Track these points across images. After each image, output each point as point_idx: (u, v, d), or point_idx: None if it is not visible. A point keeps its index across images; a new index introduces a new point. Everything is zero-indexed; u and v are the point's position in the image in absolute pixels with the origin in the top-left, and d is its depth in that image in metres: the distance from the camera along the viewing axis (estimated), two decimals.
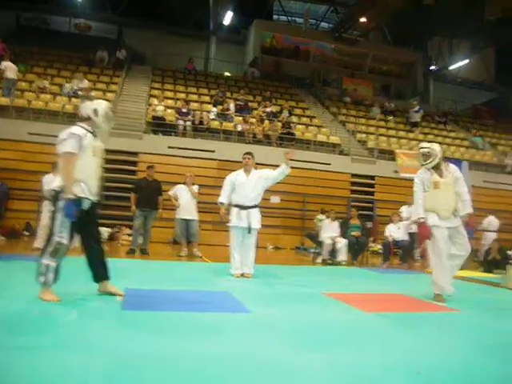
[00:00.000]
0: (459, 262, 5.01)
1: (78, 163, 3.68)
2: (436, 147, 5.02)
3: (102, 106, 3.94)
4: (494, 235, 11.31)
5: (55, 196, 3.68)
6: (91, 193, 3.80)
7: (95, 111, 3.87)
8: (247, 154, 6.28)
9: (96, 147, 3.88)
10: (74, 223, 3.67)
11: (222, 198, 6.12)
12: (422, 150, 5.08)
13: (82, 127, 3.82)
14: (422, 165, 5.06)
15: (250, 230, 5.92)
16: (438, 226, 4.87)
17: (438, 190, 4.94)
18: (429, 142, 17.32)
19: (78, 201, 3.66)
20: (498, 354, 2.93)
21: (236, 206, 6.03)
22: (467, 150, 17.38)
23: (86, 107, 3.94)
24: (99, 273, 3.95)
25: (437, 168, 5.00)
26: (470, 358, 2.80)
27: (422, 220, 4.93)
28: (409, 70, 25.08)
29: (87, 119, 3.89)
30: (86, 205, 3.78)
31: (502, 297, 5.70)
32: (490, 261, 9.10)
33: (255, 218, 6.00)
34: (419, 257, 10.29)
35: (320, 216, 10.93)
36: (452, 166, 5.08)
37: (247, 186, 6.04)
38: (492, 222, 12.00)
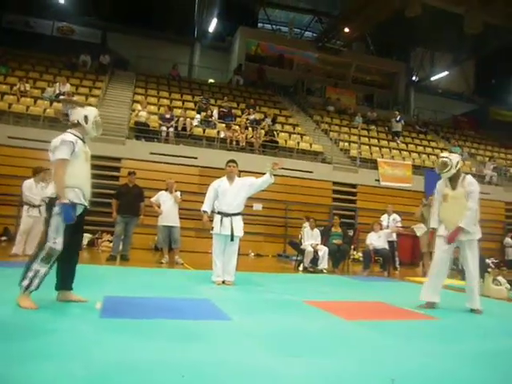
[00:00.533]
0: (469, 285, 4.95)
1: (72, 169, 3.73)
2: (454, 158, 5.02)
3: (92, 112, 3.97)
4: None
5: (50, 203, 3.72)
6: (85, 198, 3.87)
7: (85, 118, 3.91)
8: (231, 161, 6.28)
9: (87, 152, 3.95)
10: (67, 229, 3.69)
11: (205, 206, 6.12)
12: (441, 158, 5.10)
13: (73, 134, 3.85)
14: (439, 173, 5.12)
15: (232, 237, 5.93)
16: (440, 235, 5.00)
17: (445, 203, 5.02)
18: (410, 151, 17.67)
19: (73, 206, 3.70)
20: (475, 362, 2.98)
21: (219, 213, 6.04)
22: None
23: (77, 113, 3.96)
24: (65, 282, 3.91)
25: (453, 180, 5.02)
26: (446, 366, 2.84)
27: (431, 230, 5.19)
28: (391, 80, 25.50)
29: (77, 125, 3.92)
30: (79, 210, 3.82)
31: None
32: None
33: (238, 226, 6.00)
34: (398, 265, 10.43)
35: (305, 224, 10.96)
36: (469, 180, 5.00)
37: (230, 194, 6.05)
38: None
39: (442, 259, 4.96)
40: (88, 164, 3.95)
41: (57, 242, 3.64)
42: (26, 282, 3.56)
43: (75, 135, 3.85)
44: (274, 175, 6.05)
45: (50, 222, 3.67)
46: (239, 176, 6.32)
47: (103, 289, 4.70)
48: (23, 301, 3.56)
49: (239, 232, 6.01)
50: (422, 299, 4.98)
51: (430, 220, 5.26)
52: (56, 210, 3.66)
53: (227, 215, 5.96)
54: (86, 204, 3.88)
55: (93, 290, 4.37)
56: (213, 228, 6.03)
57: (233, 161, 6.31)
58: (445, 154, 5.30)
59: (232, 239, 5.93)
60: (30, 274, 3.57)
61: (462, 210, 4.86)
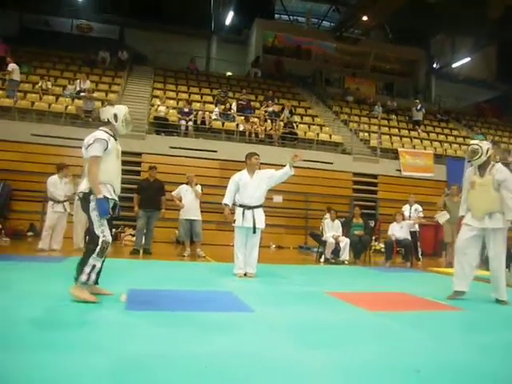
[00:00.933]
0: (493, 274, 4.87)
1: (105, 166, 3.83)
2: (484, 145, 4.93)
3: (121, 111, 4.04)
4: None
5: (85, 198, 3.82)
6: (116, 193, 3.97)
7: (115, 116, 3.98)
8: (256, 154, 6.27)
9: (119, 150, 4.04)
10: (107, 221, 3.82)
11: (226, 199, 6.15)
12: (471, 146, 5.01)
13: (105, 132, 3.93)
14: (469, 161, 5.08)
15: (254, 229, 5.95)
16: (465, 223, 4.95)
17: (473, 191, 4.95)
18: (431, 140, 17.39)
19: (107, 200, 3.80)
20: (500, 354, 2.94)
21: (241, 206, 6.06)
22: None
23: (106, 112, 4.04)
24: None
25: (482, 167, 4.94)
26: (471, 358, 2.81)
27: (459, 217, 5.13)
28: (411, 68, 25.06)
29: (107, 123, 4.00)
30: (111, 205, 3.90)
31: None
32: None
33: (260, 218, 6.02)
34: (421, 255, 10.31)
35: (326, 215, 10.91)
36: (499, 168, 4.89)
37: (251, 186, 6.06)
38: None
39: (466, 247, 4.88)
40: (119, 160, 4.05)
41: (106, 235, 3.77)
42: (84, 277, 3.68)
43: (107, 133, 3.92)
44: (294, 167, 6.03)
45: (92, 219, 3.78)
46: (259, 168, 6.31)
47: (127, 282, 4.78)
48: (82, 293, 3.70)
49: (261, 224, 6.02)
50: (454, 289, 4.94)
51: (460, 208, 5.16)
52: (92, 205, 3.77)
53: (249, 208, 5.99)
54: (116, 199, 3.97)
55: (117, 283, 4.45)
56: (235, 221, 6.06)
57: (256, 154, 6.30)
58: (475, 141, 5.15)
59: (254, 231, 5.95)
60: (88, 269, 3.69)
61: (490, 197, 4.78)
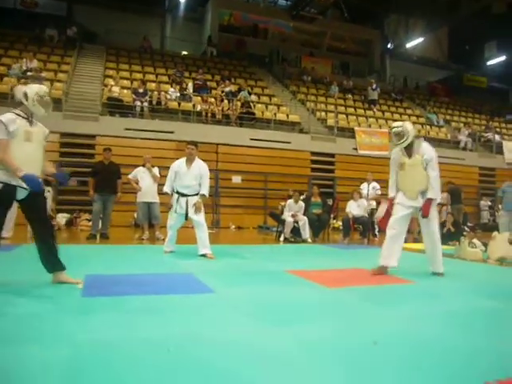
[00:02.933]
0: (428, 248, 5.05)
1: (10, 150, 3.56)
2: (408, 126, 4.92)
3: (33, 89, 3.75)
4: (448, 208, 11.75)
5: None
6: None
7: (25, 95, 3.71)
8: (192, 143, 6.35)
9: (31, 132, 3.71)
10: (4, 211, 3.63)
11: (167, 188, 6.34)
12: (394, 129, 4.97)
13: (14, 113, 3.68)
14: (396, 144, 5.00)
15: (186, 216, 6.16)
16: (398, 203, 4.99)
17: (403, 172, 4.98)
18: (386, 119, 17.75)
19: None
20: (453, 322, 3.08)
21: (177, 192, 6.24)
22: (423, 127, 17.87)
23: (18, 91, 3.80)
24: (52, 264, 3.83)
25: (409, 148, 4.94)
26: (422, 327, 2.92)
27: (389, 198, 5.14)
28: (366, 47, 25.38)
29: (20, 104, 3.75)
30: (21, 194, 3.65)
31: (456, 267, 5.94)
32: (444, 233, 9.47)
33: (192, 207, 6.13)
34: (378, 232, 10.59)
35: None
36: (425, 147, 4.93)
37: (188, 177, 6.18)
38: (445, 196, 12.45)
39: (399, 225, 4.93)
40: (33, 144, 3.71)
41: None
42: None
43: (17, 114, 3.68)
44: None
45: None
46: (194, 157, 6.32)
47: (84, 268, 4.65)
48: None
49: (192, 213, 6.11)
50: (380, 263, 4.95)
51: (389, 189, 5.19)
52: None
53: (183, 195, 6.17)
54: (24, 186, 3.59)
55: (74, 270, 4.30)
56: (171, 206, 6.31)
57: (193, 143, 6.38)
58: (397, 123, 5.10)
59: (186, 218, 6.20)
60: None
61: (421, 177, 4.86)
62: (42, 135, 3.86)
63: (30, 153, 3.69)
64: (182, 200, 6.14)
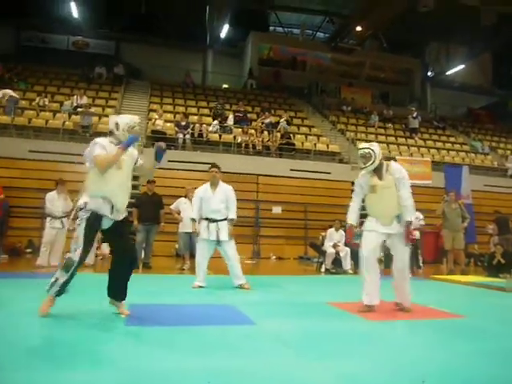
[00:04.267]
0: (396, 275, 4.59)
1: (101, 177, 3.70)
2: (376, 147, 4.56)
3: (123, 119, 3.90)
4: (496, 239, 11.28)
5: (75, 215, 3.74)
6: (116, 210, 3.76)
7: (117, 125, 3.86)
8: (214, 166, 6.19)
9: (122, 160, 3.80)
10: (90, 238, 3.72)
11: (194, 214, 6.12)
12: (361, 151, 4.59)
13: (107, 139, 3.84)
14: (362, 168, 4.62)
15: (219, 242, 5.92)
16: (370, 230, 4.51)
17: (374, 195, 4.55)
18: (428, 148, 17.42)
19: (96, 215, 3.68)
20: (506, 360, 2.90)
21: (206, 219, 6.00)
22: (467, 155, 17.40)
23: (110, 121, 3.98)
24: (119, 292, 3.89)
25: (378, 169, 4.56)
26: (475, 365, 2.78)
27: (348, 225, 4.75)
28: (406, 76, 25.20)
29: (111, 134, 3.90)
30: (106, 224, 3.76)
31: (508, 301, 5.66)
32: (494, 265, 9.06)
33: (224, 231, 5.93)
34: (422, 263, 10.28)
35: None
36: (394, 167, 4.60)
37: (214, 200, 5.99)
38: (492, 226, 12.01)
39: (375, 255, 4.52)
40: (123, 172, 3.81)
41: (76, 254, 3.65)
42: (47, 286, 3.66)
43: (110, 141, 3.83)
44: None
45: (76, 233, 3.73)
46: (219, 179, 6.21)
47: (127, 297, 4.72)
48: (44, 303, 3.66)
49: (225, 237, 5.92)
50: (366, 303, 4.45)
51: (348, 216, 4.75)
52: (77, 221, 3.73)
53: (213, 221, 5.94)
54: (114, 217, 3.74)
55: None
56: (200, 233, 6.02)
57: (215, 165, 6.21)
58: (364, 144, 4.74)
59: (219, 244, 5.93)
60: (51, 280, 3.66)
61: (395, 199, 4.46)
62: (131, 160, 3.95)
63: (121, 182, 3.80)
64: (212, 226, 5.91)
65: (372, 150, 4.50)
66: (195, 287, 5.87)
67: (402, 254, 4.52)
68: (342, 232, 9.42)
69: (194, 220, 6.14)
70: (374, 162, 4.50)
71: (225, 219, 5.95)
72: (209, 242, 5.97)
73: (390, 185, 4.50)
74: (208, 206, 5.98)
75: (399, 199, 4.46)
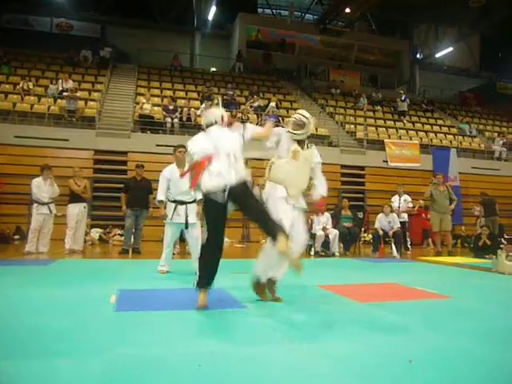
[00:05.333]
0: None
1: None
2: (312, 119, 4.29)
3: (225, 112, 3.95)
4: (483, 221, 11.45)
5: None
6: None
7: (222, 118, 3.91)
8: (181, 146, 5.78)
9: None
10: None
11: (161, 196, 5.84)
12: (297, 116, 4.24)
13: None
14: (291, 132, 4.18)
15: (187, 225, 5.70)
16: (281, 197, 4.04)
17: (295, 162, 4.13)
18: (417, 130, 17.48)
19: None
20: (492, 339, 2.96)
21: (174, 201, 5.81)
22: (455, 138, 17.51)
23: (212, 114, 3.96)
24: (276, 229, 3.46)
25: (300, 144, 4.26)
26: (462, 345, 2.83)
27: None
28: (395, 59, 25.14)
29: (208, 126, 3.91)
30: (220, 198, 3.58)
31: (494, 282, 5.76)
32: (480, 246, 9.20)
33: (192, 213, 5.75)
34: (410, 245, 10.41)
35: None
36: (315, 151, 4.42)
37: (184, 182, 5.49)
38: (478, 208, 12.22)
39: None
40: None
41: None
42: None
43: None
44: None
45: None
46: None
47: (117, 282, 4.73)
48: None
49: (193, 219, 5.72)
50: (256, 280, 4.14)
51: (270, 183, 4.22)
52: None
53: (182, 203, 5.74)
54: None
55: (107, 284, 4.41)
56: (166, 216, 5.84)
57: (182, 146, 5.72)
58: (301, 111, 4.42)
59: (186, 227, 5.70)
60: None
61: (308, 173, 4.26)
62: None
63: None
64: (181, 208, 5.69)
65: (308, 119, 4.23)
66: (164, 273, 5.80)
67: (300, 227, 4.14)
68: (327, 214, 9.47)
69: (161, 202, 5.84)
70: (305, 133, 4.24)
71: (194, 201, 5.75)
72: (177, 226, 5.80)
73: (310, 157, 4.28)
74: (176, 187, 5.72)
75: (313, 180, 4.33)
